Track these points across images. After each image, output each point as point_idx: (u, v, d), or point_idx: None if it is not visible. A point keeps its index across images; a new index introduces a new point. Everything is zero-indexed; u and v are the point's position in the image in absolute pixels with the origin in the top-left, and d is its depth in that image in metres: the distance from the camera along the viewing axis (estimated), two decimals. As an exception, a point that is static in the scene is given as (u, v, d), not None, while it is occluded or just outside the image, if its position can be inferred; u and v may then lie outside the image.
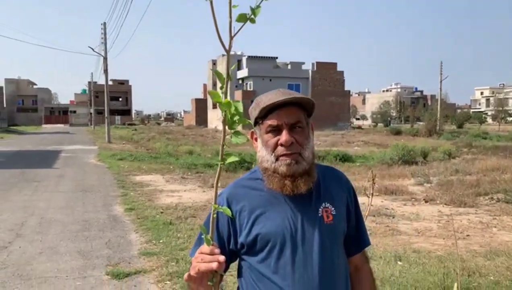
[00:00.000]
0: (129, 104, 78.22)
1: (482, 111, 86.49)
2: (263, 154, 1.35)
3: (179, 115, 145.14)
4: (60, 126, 64.19)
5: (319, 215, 1.35)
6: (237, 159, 1.06)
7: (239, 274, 1.45)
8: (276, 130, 1.33)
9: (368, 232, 5.86)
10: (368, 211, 2.31)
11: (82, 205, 8.23)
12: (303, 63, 54.61)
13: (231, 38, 0.94)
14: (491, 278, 4.45)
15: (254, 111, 1.38)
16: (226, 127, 1.02)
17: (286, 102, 1.32)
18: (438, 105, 46.55)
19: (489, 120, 74.29)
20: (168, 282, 4.44)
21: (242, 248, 1.37)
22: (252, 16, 0.92)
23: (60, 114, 76.28)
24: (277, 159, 1.32)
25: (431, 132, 36.06)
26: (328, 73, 52.31)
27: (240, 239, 1.36)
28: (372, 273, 1.58)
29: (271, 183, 1.34)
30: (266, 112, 1.34)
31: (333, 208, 1.38)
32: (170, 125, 75.45)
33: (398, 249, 5.55)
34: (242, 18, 0.93)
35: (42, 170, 13.44)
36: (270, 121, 1.33)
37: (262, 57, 54.46)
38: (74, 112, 75.36)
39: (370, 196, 2.26)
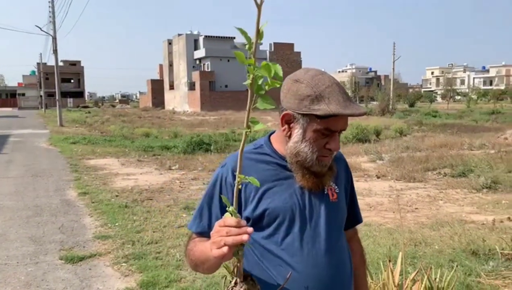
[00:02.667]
0: (81, 86, 75.46)
1: (432, 91, 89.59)
2: (304, 149, 1.28)
3: (134, 97, 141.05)
4: (8, 110, 61.10)
5: (325, 192, 1.36)
6: (263, 126, 1.00)
7: None
8: (328, 132, 1.27)
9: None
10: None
11: (33, 191, 7.96)
12: (261, 43, 54.18)
13: None
14: (436, 247, 4.71)
15: (309, 103, 1.25)
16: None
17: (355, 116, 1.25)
18: (391, 85, 47.83)
19: (439, 99, 77.19)
20: (124, 264, 4.41)
21: (247, 223, 1.29)
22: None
23: (7, 97, 72.65)
24: (317, 159, 1.28)
25: (384, 111, 37.01)
26: (285, 54, 52.57)
27: (245, 213, 1.31)
28: (361, 242, 1.65)
29: (302, 178, 1.31)
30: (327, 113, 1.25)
31: (336, 187, 1.40)
32: (125, 107, 73.51)
33: (351, 223, 5.75)
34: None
35: (-11, 155, 12.82)
36: (333, 126, 1.26)
37: (219, 37, 53.83)
38: (23, 94, 71.87)
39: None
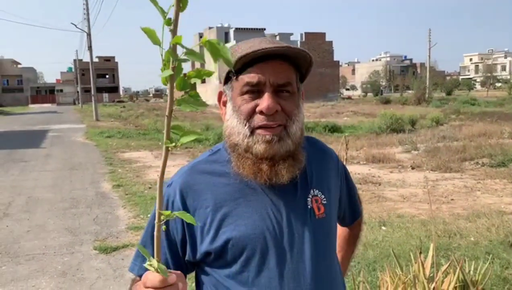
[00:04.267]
0: (116, 81, 77.20)
1: (471, 78, 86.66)
2: (233, 123, 0.99)
3: (167, 91, 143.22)
4: (47, 106, 63.39)
5: (308, 206, 1.03)
6: (194, 137, 0.68)
7: None
8: (255, 92, 0.97)
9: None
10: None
11: (69, 183, 8.21)
12: (292, 34, 54.03)
13: None
14: (472, 239, 4.55)
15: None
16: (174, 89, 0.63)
17: (275, 52, 0.96)
18: (427, 73, 46.55)
19: (478, 86, 74.61)
20: (155, 254, 4.49)
21: (205, 258, 1.01)
22: None
23: (46, 94, 75.24)
24: (252, 133, 0.97)
25: (420, 100, 36.14)
26: (316, 43, 51.92)
27: (202, 247, 1.00)
28: (359, 231, 1.41)
29: (240, 166, 0.99)
30: (243, 64, 0.96)
31: (323, 196, 1.06)
32: (159, 101, 74.73)
33: (383, 215, 5.64)
34: None
35: (29, 150, 13.32)
36: (249, 77, 0.96)
37: (249, 28, 53.75)
38: (61, 91, 74.38)
39: (344, 162, 2.26)
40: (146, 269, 0.95)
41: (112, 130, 18.51)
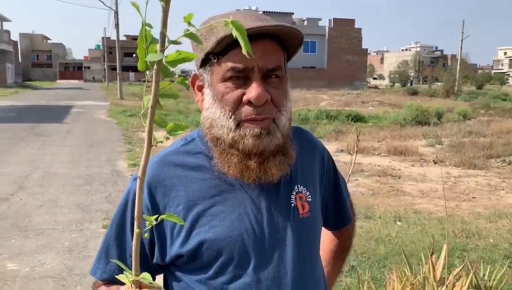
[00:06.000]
0: (143, 60, 77.73)
1: (504, 72, 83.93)
2: (215, 114, 0.86)
3: (193, 72, 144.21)
4: (74, 82, 64.48)
5: (292, 205, 0.93)
6: (182, 132, 0.62)
7: None
8: (241, 78, 0.84)
9: (371, 192, 5.75)
10: (351, 171, 2.18)
11: (86, 160, 8.27)
12: (320, 19, 53.14)
13: None
14: (491, 240, 4.35)
15: (203, 40, 0.84)
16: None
17: (267, 32, 0.83)
18: (457, 65, 45.23)
19: (511, 81, 72.24)
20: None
21: (176, 261, 0.91)
22: None
23: (74, 70, 76.47)
24: (238, 125, 0.85)
25: (448, 93, 35.14)
26: (345, 30, 50.89)
27: (172, 250, 0.89)
28: (350, 244, 1.26)
29: (226, 164, 0.87)
30: (227, 45, 0.83)
31: (308, 193, 0.96)
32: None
33: (399, 209, 5.46)
34: None
35: (52, 124, 13.51)
36: (234, 61, 0.83)
37: (277, 12, 53.07)
38: (88, 68, 75.39)
39: (354, 154, 2.12)
40: (111, 274, 0.91)
41: (135, 109, 18.62)
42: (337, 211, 1.13)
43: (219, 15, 0.91)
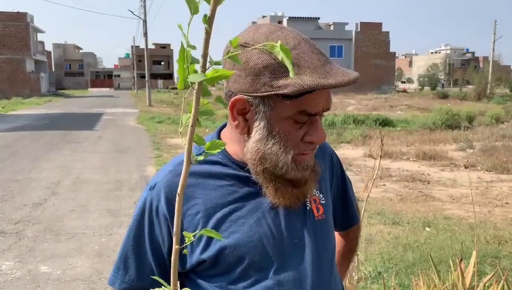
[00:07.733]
0: (171, 68, 78.98)
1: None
2: (270, 149, 0.85)
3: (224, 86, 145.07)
4: (105, 90, 66.07)
5: (307, 208, 0.95)
6: (219, 150, 0.60)
7: None
8: (305, 117, 0.86)
9: (399, 198, 5.65)
10: (376, 176, 2.16)
11: (116, 166, 8.46)
12: (347, 23, 52.73)
13: None
14: (525, 247, 4.21)
15: (270, 77, 0.80)
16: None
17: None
18: (489, 67, 44.02)
19: (547, 83, 69.69)
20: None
21: (197, 268, 0.92)
22: None
23: (105, 78, 78.34)
24: (293, 161, 0.87)
25: (480, 96, 34.22)
26: (372, 34, 50.36)
27: (194, 257, 0.90)
28: (356, 245, 1.29)
29: (280, 195, 0.89)
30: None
31: (321, 195, 0.99)
32: (211, 89, 75.85)
33: (428, 215, 5.35)
34: None
35: (83, 132, 13.89)
36: (308, 107, 0.82)
37: (303, 18, 53.04)
38: (118, 76, 77.16)
39: (379, 159, 2.10)
40: (130, 283, 0.94)
41: (163, 116, 18.95)
42: (345, 212, 1.16)
43: (282, 29, 0.87)
